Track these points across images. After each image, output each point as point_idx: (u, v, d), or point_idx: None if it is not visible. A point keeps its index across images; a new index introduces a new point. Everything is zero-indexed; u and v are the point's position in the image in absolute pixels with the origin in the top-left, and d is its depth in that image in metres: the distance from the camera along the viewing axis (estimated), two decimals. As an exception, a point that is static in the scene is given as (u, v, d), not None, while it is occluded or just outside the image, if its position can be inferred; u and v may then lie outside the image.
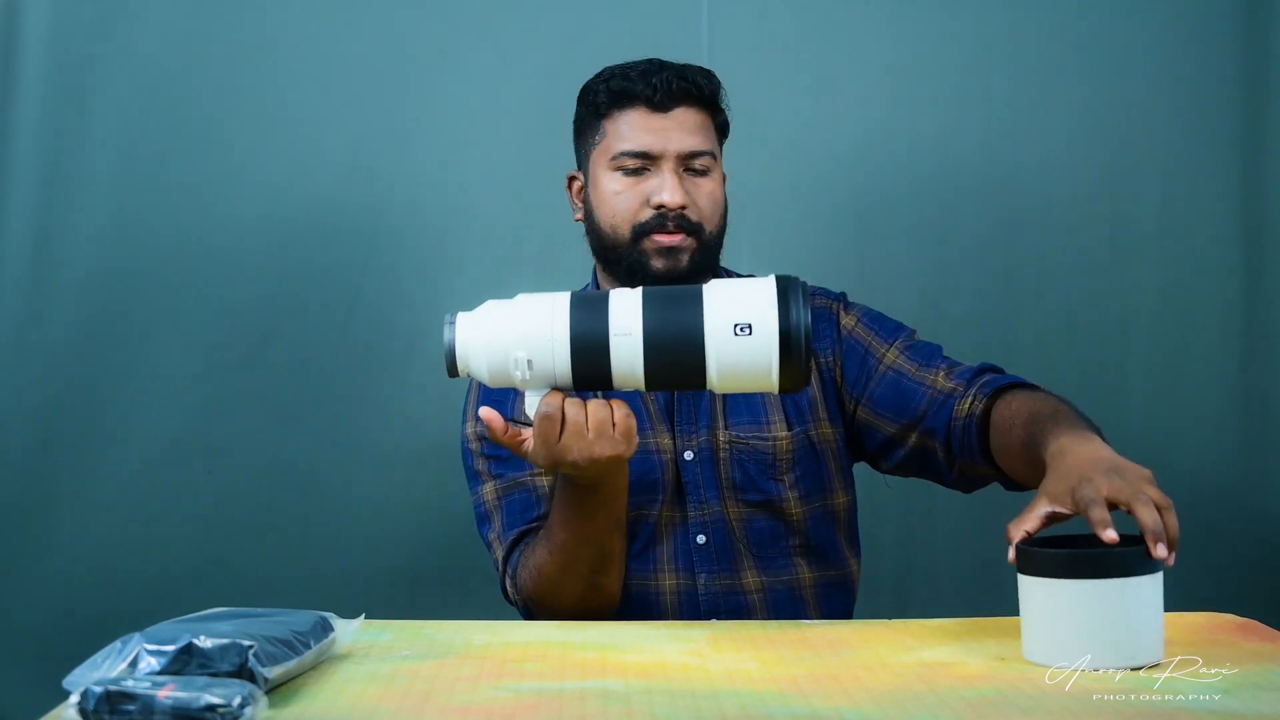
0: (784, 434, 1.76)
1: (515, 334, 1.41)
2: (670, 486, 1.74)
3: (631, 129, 1.74)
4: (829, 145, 2.46)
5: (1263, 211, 2.46)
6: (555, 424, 1.42)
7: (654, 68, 1.75)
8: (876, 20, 2.46)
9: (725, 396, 1.76)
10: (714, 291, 1.40)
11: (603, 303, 1.41)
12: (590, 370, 1.41)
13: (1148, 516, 1.28)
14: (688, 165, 1.74)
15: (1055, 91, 2.47)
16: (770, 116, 2.40)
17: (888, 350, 1.78)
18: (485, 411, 1.46)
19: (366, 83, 2.44)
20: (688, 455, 1.75)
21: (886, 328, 1.81)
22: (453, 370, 1.43)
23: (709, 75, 1.78)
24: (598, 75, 1.80)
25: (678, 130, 1.73)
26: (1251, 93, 2.45)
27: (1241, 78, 2.45)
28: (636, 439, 1.47)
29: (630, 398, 1.74)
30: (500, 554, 1.72)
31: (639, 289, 1.42)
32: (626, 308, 1.40)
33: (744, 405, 1.77)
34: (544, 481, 1.71)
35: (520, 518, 1.71)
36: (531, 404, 1.44)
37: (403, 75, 2.45)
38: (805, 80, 2.47)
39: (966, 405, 1.69)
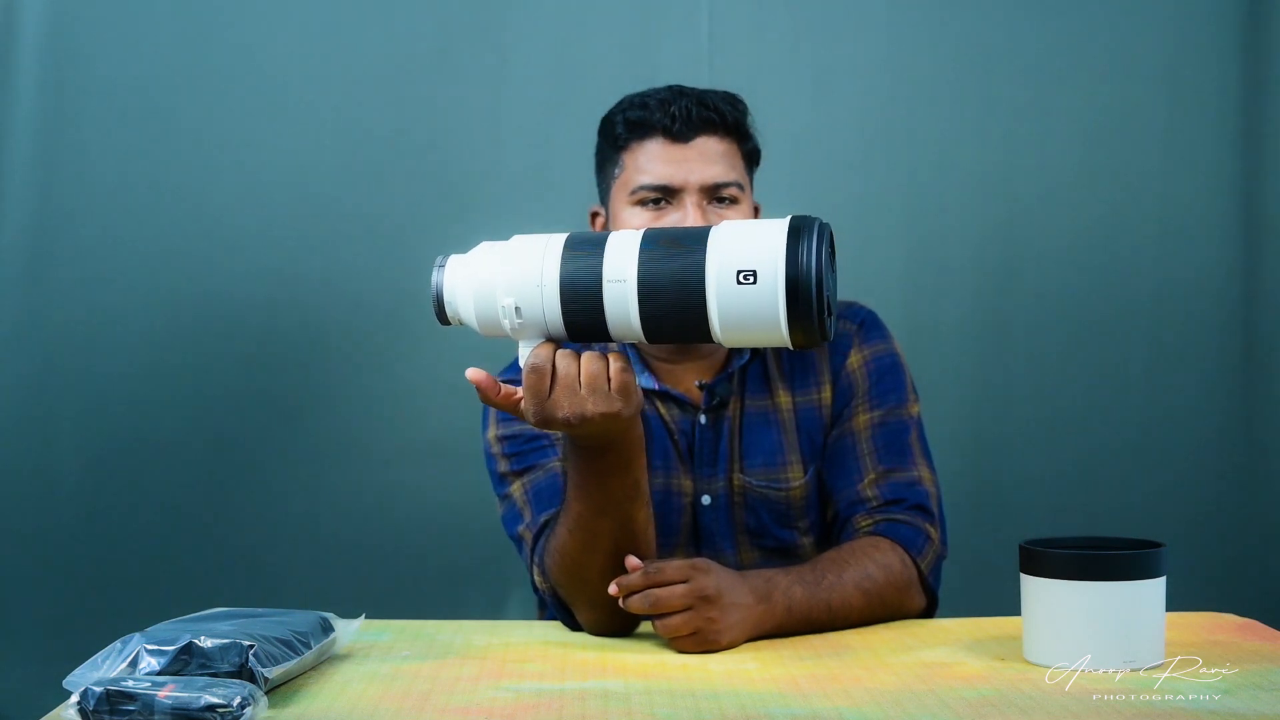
0: (799, 480, 1.69)
1: (504, 278, 1.29)
2: (686, 531, 1.70)
3: (650, 161, 1.65)
4: (828, 145, 2.46)
5: (1262, 211, 2.47)
6: (544, 377, 1.31)
7: (672, 95, 1.66)
8: (876, 20, 2.47)
9: (742, 435, 1.69)
10: (721, 233, 1.25)
11: (599, 245, 1.29)
12: (583, 319, 1.28)
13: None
14: (713, 196, 1.65)
15: (1054, 91, 2.47)
16: (770, 116, 2.40)
17: (865, 414, 1.69)
18: (472, 372, 1.35)
19: (368, 82, 2.44)
20: (705, 500, 1.69)
21: (882, 388, 1.70)
22: (442, 318, 1.33)
23: (733, 101, 1.69)
24: (617, 105, 1.71)
25: (699, 161, 1.64)
26: (1251, 93, 2.46)
27: (1241, 77, 2.46)
28: (638, 396, 1.34)
29: (658, 434, 1.67)
30: (529, 543, 1.60)
31: (643, 230, 1.31)
32: (623, 251, 1.28)
33: (760, 445, 1.69)
34: None
35: (549, 503, 1.59)
36: (523, 355, 1.32)
37: (404, 76, 2.44)
38: (805, 80, 2.47)
39: (863, 522, 1.65)
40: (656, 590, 1.42)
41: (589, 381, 1.31)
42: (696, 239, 1.26)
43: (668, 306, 1.26)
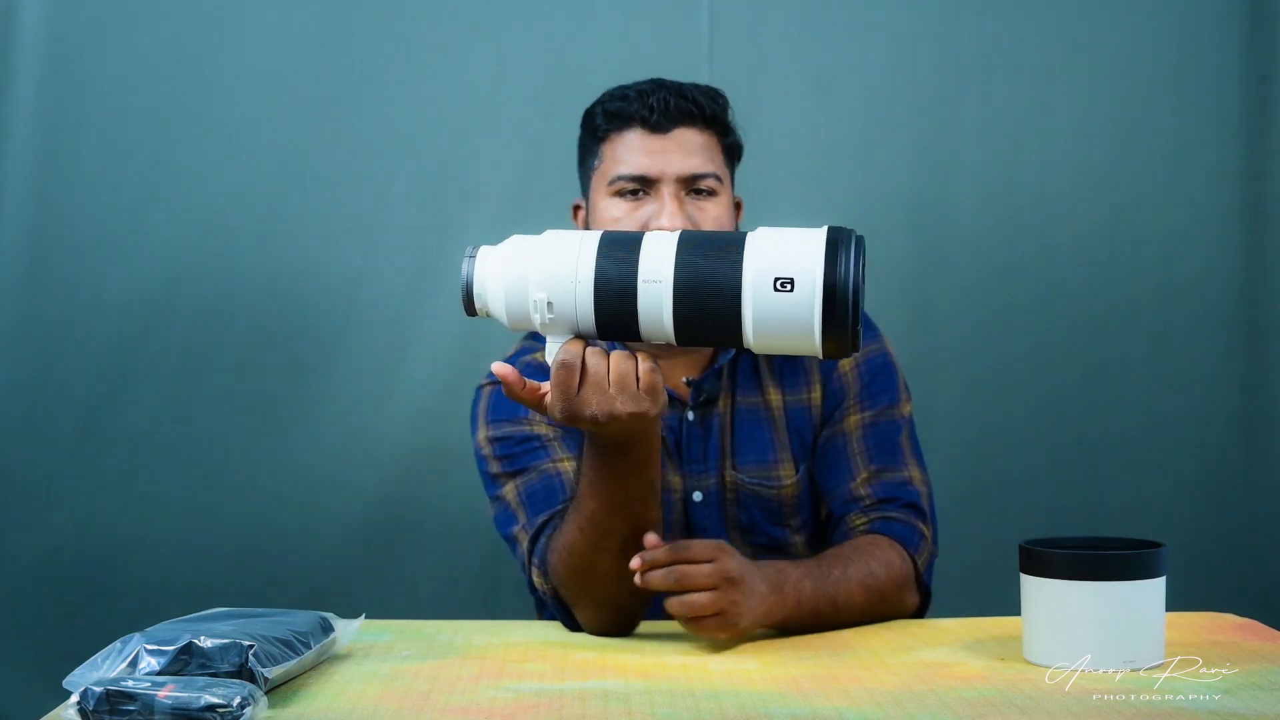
0: (790, 478, 1.70)
1: (537, 272, 1.30)
2: (678, 527, 1.70)
3: (629, 151, 1.66)
4: (829, 145, 2.46)
5: (1264, 210, 2.46)
6: (574, 373, 1.31)
7: (651, 87, 1.68)
8: (877, 19, 2.46)
9: (734, 431, 1.70)
10: (758, 240, 1.27)
11: (635, 245, 1.29)
12: (615, 318, 1.29)
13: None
14: (691, 188, 1.66)
15: (1055, 90, 2.47)
16: (771, 116, 2.40)
17: (856, 414, 1.70)
18: (498, 366, 1.35)
19: (366, 81, 2.43)
20: (696, 496, 1.69)
21: (874, 388, 1.72)
22: (470, 308, 1.33)
23: (713, 95, 1.70)
24: (599, 98, 1.72)
25: (677, 152, 1.65)
26: (1252, 90, 2.45)
27: (1242, 76, 2.45)
28: (664, 396, 1.34)
29: None
30: (525, 544, 1.60)
31: (678, 231, 1.32)
32: (660, 251, 1.28)
33: (751, 442, 1.70)
34: (566, 468, 1.61)
35: (544, 505, 1.60)
36: (551, 351, 1.32)
37: (403, 75, 2.44)
38: (806, 79, 2.47)
39: (857, 520, 1.66)
40: (684, 566, 1.41)
41: (618, 380, 1.32)
42: (732, 244, 1.27)
43: (702, 309, 1.27)
